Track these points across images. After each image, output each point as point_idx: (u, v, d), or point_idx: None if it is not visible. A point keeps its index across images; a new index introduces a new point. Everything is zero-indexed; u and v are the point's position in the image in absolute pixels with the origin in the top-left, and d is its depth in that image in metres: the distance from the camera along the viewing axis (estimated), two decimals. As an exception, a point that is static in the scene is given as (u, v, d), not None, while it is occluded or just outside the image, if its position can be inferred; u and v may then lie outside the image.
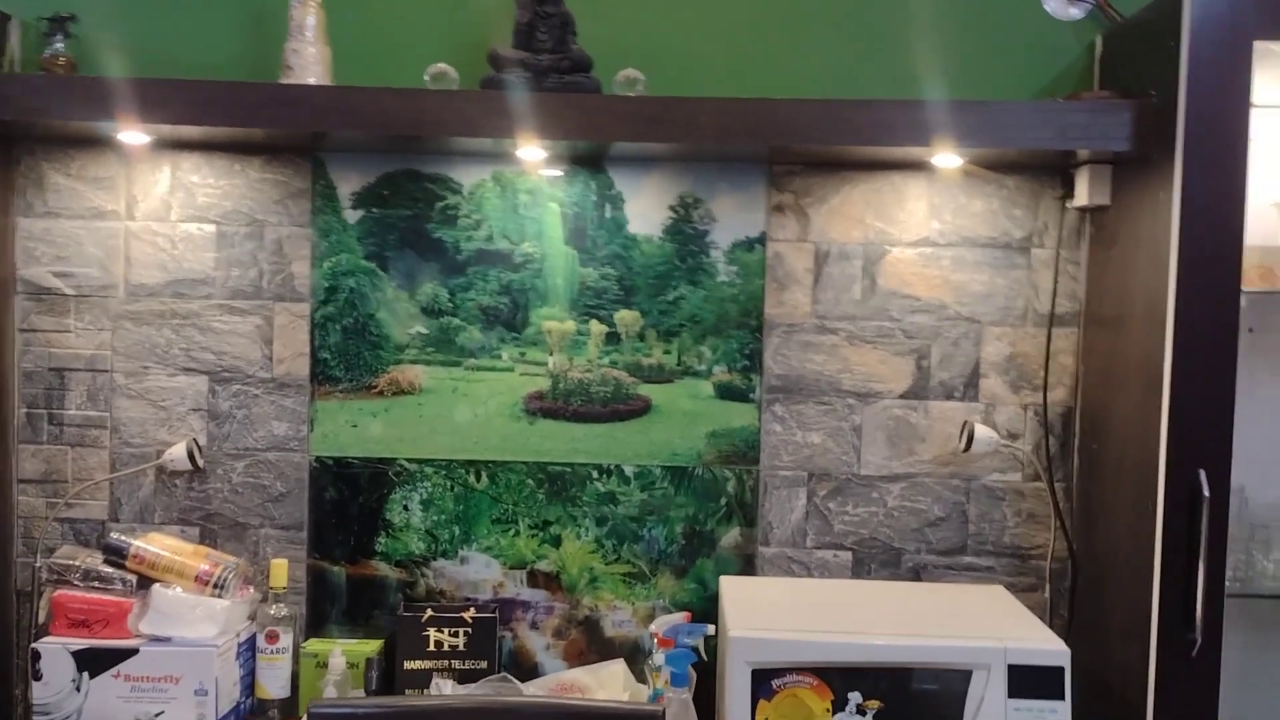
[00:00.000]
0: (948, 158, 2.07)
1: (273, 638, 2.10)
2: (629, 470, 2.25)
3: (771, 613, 1.91)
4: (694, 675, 1.95)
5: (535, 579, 2.26)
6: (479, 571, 2.26)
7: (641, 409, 2.25)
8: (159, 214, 2.23)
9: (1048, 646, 1.77)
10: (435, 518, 2.25)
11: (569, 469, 2.25)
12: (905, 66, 2.15)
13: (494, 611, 2.20)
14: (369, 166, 2.22)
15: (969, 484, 2.22)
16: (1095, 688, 2.05)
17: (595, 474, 2.25)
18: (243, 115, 1.97)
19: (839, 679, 1.77)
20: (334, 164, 2.22)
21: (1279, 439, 2.13)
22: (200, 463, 2.22)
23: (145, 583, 2.07)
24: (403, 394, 2.24)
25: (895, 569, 2.23)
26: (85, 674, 1.98)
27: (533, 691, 2.09)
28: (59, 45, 2.11)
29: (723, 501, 2.25)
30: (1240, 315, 2.05)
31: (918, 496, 2.22)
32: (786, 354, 2.23)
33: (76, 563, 2.07)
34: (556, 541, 2.25)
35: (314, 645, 2.18)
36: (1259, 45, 1.78)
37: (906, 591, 2.10)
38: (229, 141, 2.17)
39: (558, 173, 2.22)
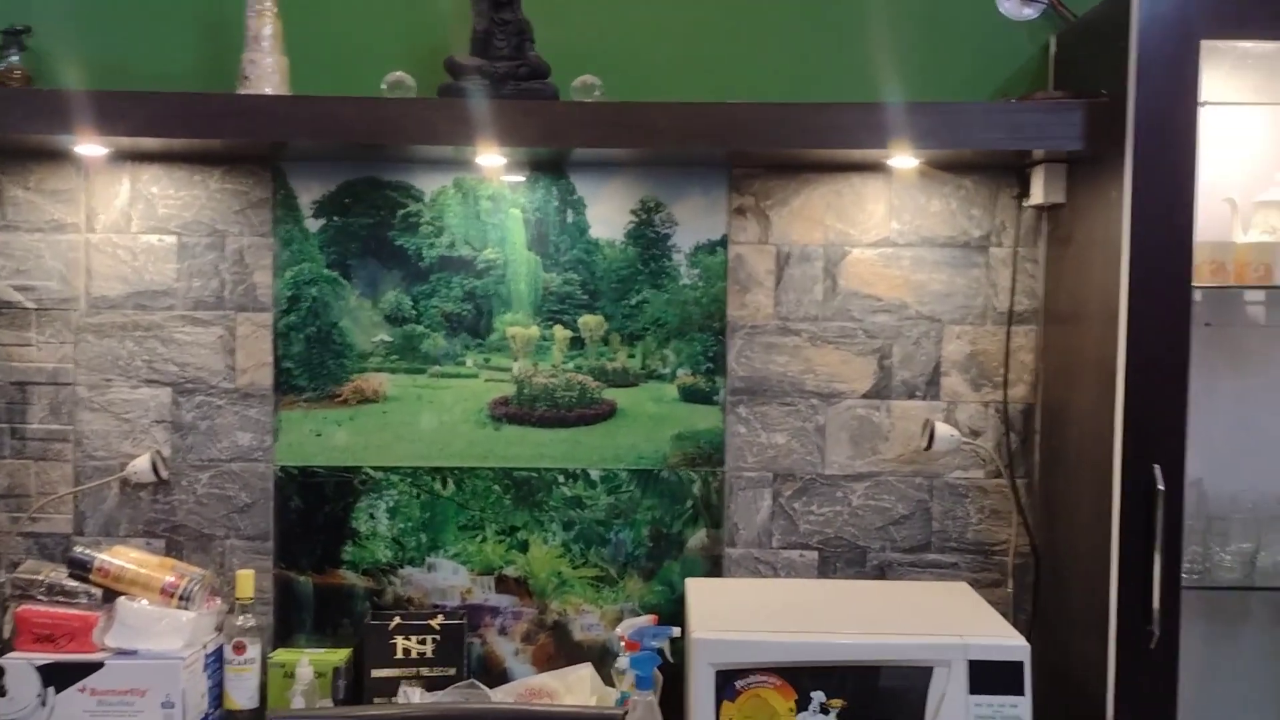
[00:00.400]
0: (905, 159, 2.09)
1: (240, 649, 2.10)
2: (595, 474, 2.25)
3: (735, 614, 1.92)
4: (659, 678, 1.96)
5: (503, 585, 2.26)
6: (447, 578, 2.26)
7: (606, 413, 2.26)
8: (119, 226, 2.22)
9: (1007, 642, 1.79)
10: (402, 525, 2.26)
11: (535, 474, 2.25)
12: (863, 69, 2.17)
13: (462, 618, 2.20)
14: (330, 175, 2.22)
15: (932, 482, 2.24)
16: (1058, 681, 2.07)
17: (561, 478, 2.25)
18: (200, 126, 1.97)
19: (802, 678, 1.78)
20: (294, 173, 2.22)
21: (1236, 432, 2.15)
22: (164, 474, 2.21)
23: (110, 596, 2.06)
24: (367, 402, 2.24)
25: (861, 568, 2.24)
26: (51, 689, 1.97)
27: (501, 697, 2.09)
28: (14, 58, 2.10)
29: (689, 504, 2.26)
30: (1196, 310, 2.09)
31: (882, 495, 2.24)
32: (750, 356, 2.24)
33: (41, 577, 2.06)
34: (524, 547, 2.26)
35: (281, 655, 2.17)
36: (1206, 44, 1.80)
37: (870, 590, 2.11)
38: (188, 152, 2.17)
39: (519, 179, 2.23)
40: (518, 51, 2.01)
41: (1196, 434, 2.09)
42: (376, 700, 2.11)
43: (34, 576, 2.06)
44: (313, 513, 2.25)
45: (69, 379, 2.23)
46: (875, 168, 2.19)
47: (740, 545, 2.25)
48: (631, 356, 2.25)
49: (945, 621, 1.87)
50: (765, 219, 2.23)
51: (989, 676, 1.76)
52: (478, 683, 2.12)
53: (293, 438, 2.24)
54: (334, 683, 2.11)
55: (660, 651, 1.95)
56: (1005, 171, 2.20)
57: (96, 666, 1.98)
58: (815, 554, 2.25)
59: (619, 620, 2.20)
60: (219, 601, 2.16)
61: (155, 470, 2.20)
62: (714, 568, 2.25)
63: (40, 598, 2.04)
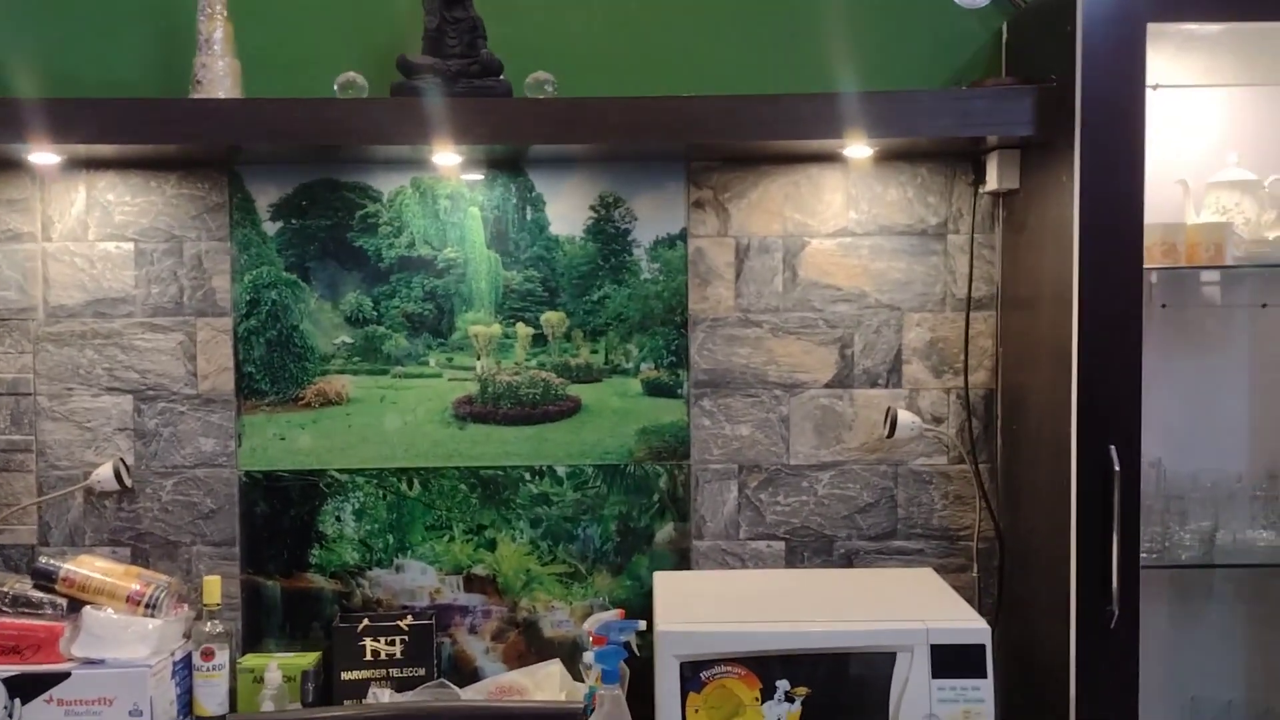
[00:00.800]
0: (860, 148, 2.09)
1: (208, 655, 2.09)
2: (561, 471, 2.26)
3: (700, 606, 1.93)
4: (626, 671, 1.95)
5: (472, 583, 2.26)
6: (415, 579, 2.26)
7: (571, 409, 2.26)
8: (76, 234, 2.21)
9: (969, 625, 1.80)
10: (368, 527, 2.25)
11: (501, 472, 2.25)
12: (820, 60, 2.17)
13: (431, 618, 2.20)
14: (286, 178, 2.21)
15: (896, 469, 2.25)
16: (1023, 663, 2.09)
17: (528, 476, 2.26)
18: (153, 132, 1.96)
19: (766, 668, 1.79)
20: (251, 177, 2.21)
21: (1195, 413, 2.18)
22: (128, 482, 2.20)
23: (76, 606, 2.05)
24: (330, 405, 2.24)
25: (828, 556, 2.25)
26: (17, 700, 1.96)
27: (471, 696, 2.09)
28: (-36, 67, 2.09)
29: (655, 498, 2.26)
30: (1152, 292, 2.11)
31: (847, 484, 2.25)
32: (712, 348, 2.24)
33: (5, 588, 2.05)
34: (491, 545, 2.26)
35: (250, 660, 2.17)
36: (1153, 27, 1.82)
37: (836, 578, 2.12)
38: (143, 158, 2.16)
39: (477, 177, 2.23)
40: (470, 49, 2.01)
41: (1155, 415, 2.11)
42: (347, 702, 2.11)
43: (-2, 588, 2.05)
44: (279, 517, 2.25)
45: (29, 389, 2.21)
46: (832, 158, 2.20)
47: (708, 538, 2.26)
48: (594, 352, 2.25)
49: (908, 607, 1.88)
50: (724, 211, 2.24)
51: (951, 660, 1.77)
52: (447, 682, 2.12)
53: (256, 442, 2.24)
54: (303, 686, 2.11)
55: (627, 645, 1.95)
56: (960, 159, 2.21)
57: (63, 677, 1.97)
58: (782, 544, 2.26)
59: (589, 616, 2.20)
60: (186, 608, 2.15)
61: (119, 478, 2.19)
62: (682, 561, 2.26)
63: (5, 609, 2.03)
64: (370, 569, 2.26)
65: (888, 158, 2.20)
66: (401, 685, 2.14)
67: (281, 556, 2.25)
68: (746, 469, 2.25)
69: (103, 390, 2.22)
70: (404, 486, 2.25)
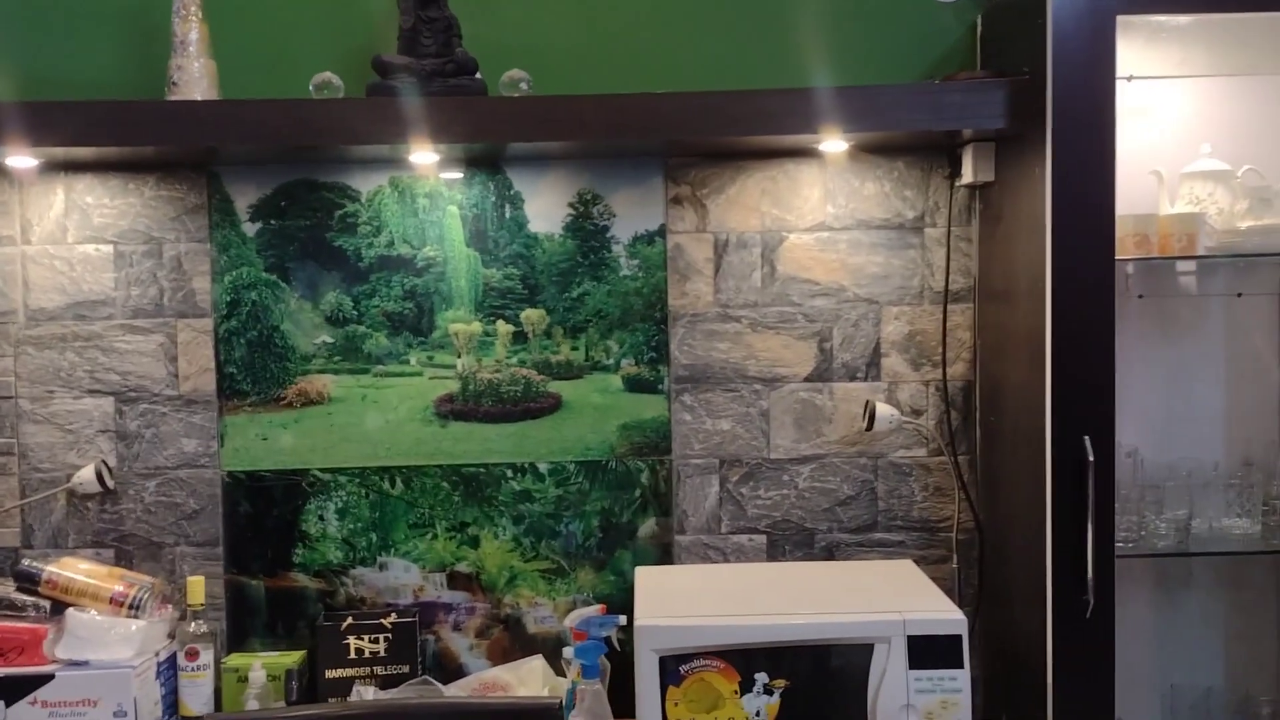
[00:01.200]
0: (836, 143, 2.10)
1: (192, 655, 2.10)
2: (543, 467, 2.27)
3: (680, 600, 1.94)
4: (607, 666, 1.98)
5: (455, 581, 2.27)
6: (398, 577, 2.27)
7: (552, 406, 2.27)
8: (55, 237, 2.21)
9: (945, 616, 1.81)
10: (351, 526, 2.26)
11: (483, 469, 2.26)
12: (794, 56, 2.18)
13: (414, 616, 2.21)
14: (265, 178, 2.21)
15: (876, 462, 2.26)
16: (1002, 653, 2.10)
17: (510, 473, 2.26)
18: (129, 134, 1.97)
19: (745, 661, 1.80)
20: (229, 177, 2.22)
21: (1172, 403, 2.19)
22: (110, 484, 2.21)
23: (60, 608, 2.06)
24: (312, 404, 2.25)
25: (809, 549, 2.26)
26: (1, 703, 1.97)
27: (454, 693, 2.10)
28: (-60, 72, 2.09)
29: (637, 493, 2.27)
30: (1129, 283, 2.12)
31: (827, 477, 2.26)
32: (692, 344, 2.25)
33: (-12, 592, 2.06)
34: (474, 542, 2.27)
35: (235, 660, 2.18)
36: (1123, 19, 1.83)
37: (816, 571, 2.13)
38: (121, 161, 2.16)
39: (456, 175, 2.23)
40: (445, 48, 2.01)
41: (1133, 405, 2.14)
42: (331, 700, 2.12)
43: (-19, 591, 2.06)
44: (262, 517, 2.26)
45: (10, 392, 2.22)
46: (809, 153, 2.21)
47: (690, 532, 2.27)
48: (575, 349, 2.26)
49: (886, 599, 1.89)
50: (702, 208, 2.24)
51: (928, 650, 1.78)
52: (430, 679, 2.13)
53: (238, 443, 2.24)
54: (287, 685, 2.12)
55: (608, 640, 1.97)
56: (936, 152, 2.22)
57: (47, 679, 1.98)
58: (764, 538, 2.27)
59: (572, 612, 2.21)
60: (170, 609, 2.16)
61: (101, 480, 2.20)
62: (665, 555, 2.27)
63: (-12, 612, 2.04)
64: (354, 567, 2.26)
65: (864, 152, 2.21)
66: (386, 683, 2.15)
67: (265, 556, 2.26)
68: (727, 463, 2.26)
69: (84, 392, 2.23)
70: (386, 485, 2.26)
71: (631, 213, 2.24)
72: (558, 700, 1.52)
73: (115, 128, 1.95)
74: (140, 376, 2.23)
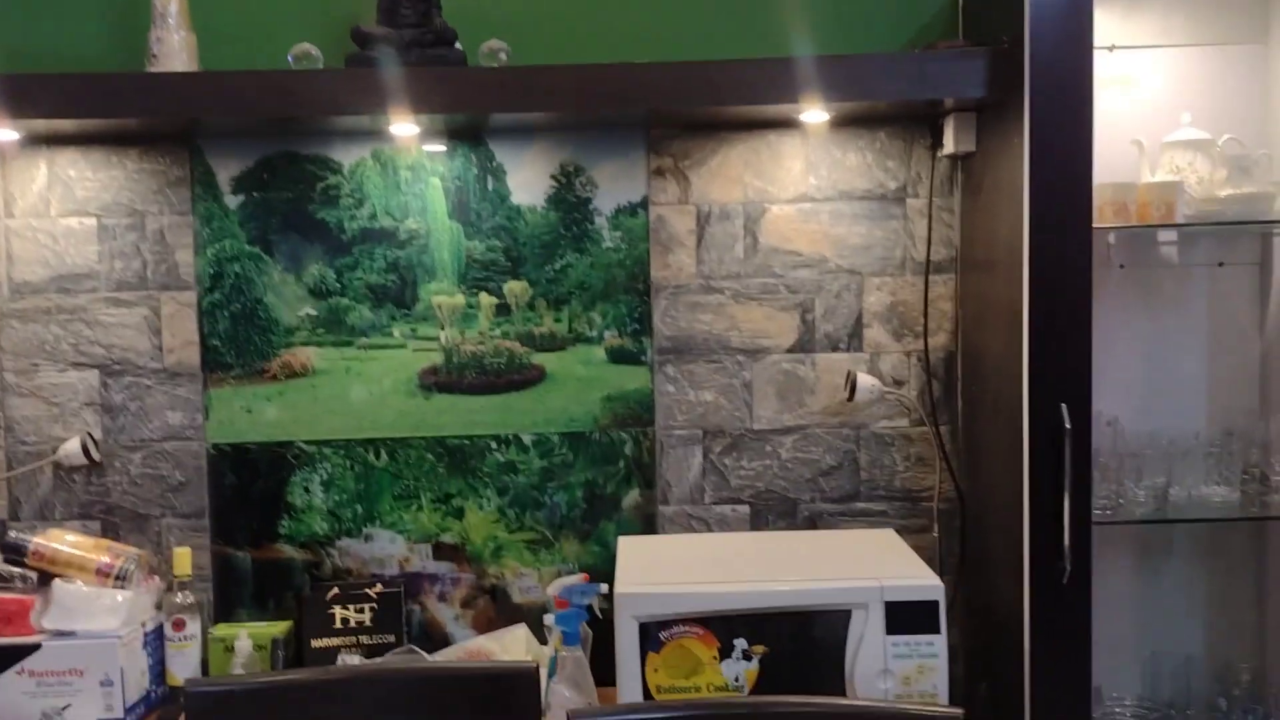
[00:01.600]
0: (817, 113, 2.10)
1: (179, 625, 2.12)
2: (527, 439, 2.28)
3: (660, 568, 1.95)
4: (589, 633, 1.99)
5: (441, 551, 2.29)
6: (384, 548, 2.28)
7: (536, 378, 2.28)
8: (38, 210, 2.22)
9: (923, 582, 1.82)
10: (337, 498, 2.27)
11: (467, 441, 2.27)
12: (776, 25, 2.17)
13: (400, 586, 2.23)
14: (246, 151, 2.22)
15: (859, 432, 2.27)
16: (982, 621, 2.12)
17: (494, 445, 2.27)
18: (110, 106, 1.96)
19: (724, 627, 1.81)
20: (211, 150, 2.22)
21: (1152, 372, 2.20)
22: (96, 456, 2.22)
23: (47, 579, 2.07)
24: (296, 377, 2.25)
25: (792, 519, 2.28)
26: (-11, 672, 1.99)
27: (439, 661, 2.12)
28: (-81, 44, 2.09)
29: (621, 464, 2.28)
30: (1110, 253, 2.13)
31: (810, 447, 2.27)
32: (675, 315, 2.26)
33: (-25, 563, 2.08)
34: (459, 513, 2.28)
35: (222, 630, 2.19)
36: (1102, -13, 1.82)
37: (797, 540, 2.14)
38: (103, 133, 2.16)
39: (438, 148, 2.23)
40: (424, 18, 2.01)
41: (1114, 375, 2.14)
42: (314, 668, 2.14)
43: (-32, 563, 2.07)
44: (247, 489, 2.27)
45: (-5, 365, 2.23)
46: (791, 124, 2.20)
47: (673, 503, 2.28)
48: (558, 321, 2.27)
49: (865, 566, 1.91)
50: (684, 179, 2.24)
51: (905, 617, 1.79)
52: (416, 648, 2.14)
53: (223, 415, 2.25)
54: (273, 654, 2.14)
55: (590, 608, 1.98)
56: (918, 122, 2.22)
57: (34, 649, 1.99)
58: (747, 508, 2.28)
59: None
60: (157, 580, 2.17)
61: (87, 452, 2.21)
62: (649, 526, 2.28)
63: (-25, 583, 2.05)
64: (339, 539, 2.28)
65: (846, 123, 2.21)
66: (371, 652, 2.16)
67: (251, 527, 2.27)
68: (710, 434, 2.27)
69: (69, 365, 2.24)
70: (371, 457, 2.27)
71: (614, 185, 2.24)
72: (534, 664, 1.54)
73: (95, 100, 1.95)
74: (124, 349, 2.24)
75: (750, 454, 2.27)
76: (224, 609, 2.27)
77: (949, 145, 2.14)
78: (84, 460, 2.21)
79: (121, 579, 2.08)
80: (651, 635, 1.82)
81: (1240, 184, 1.99)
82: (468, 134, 2.22)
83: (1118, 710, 2.12)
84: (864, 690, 1.79)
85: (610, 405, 2.27)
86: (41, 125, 2.06)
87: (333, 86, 1.94)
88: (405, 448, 2.27)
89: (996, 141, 1.99)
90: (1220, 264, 2.19)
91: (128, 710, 2.01)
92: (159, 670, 2.13)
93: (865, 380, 2.19)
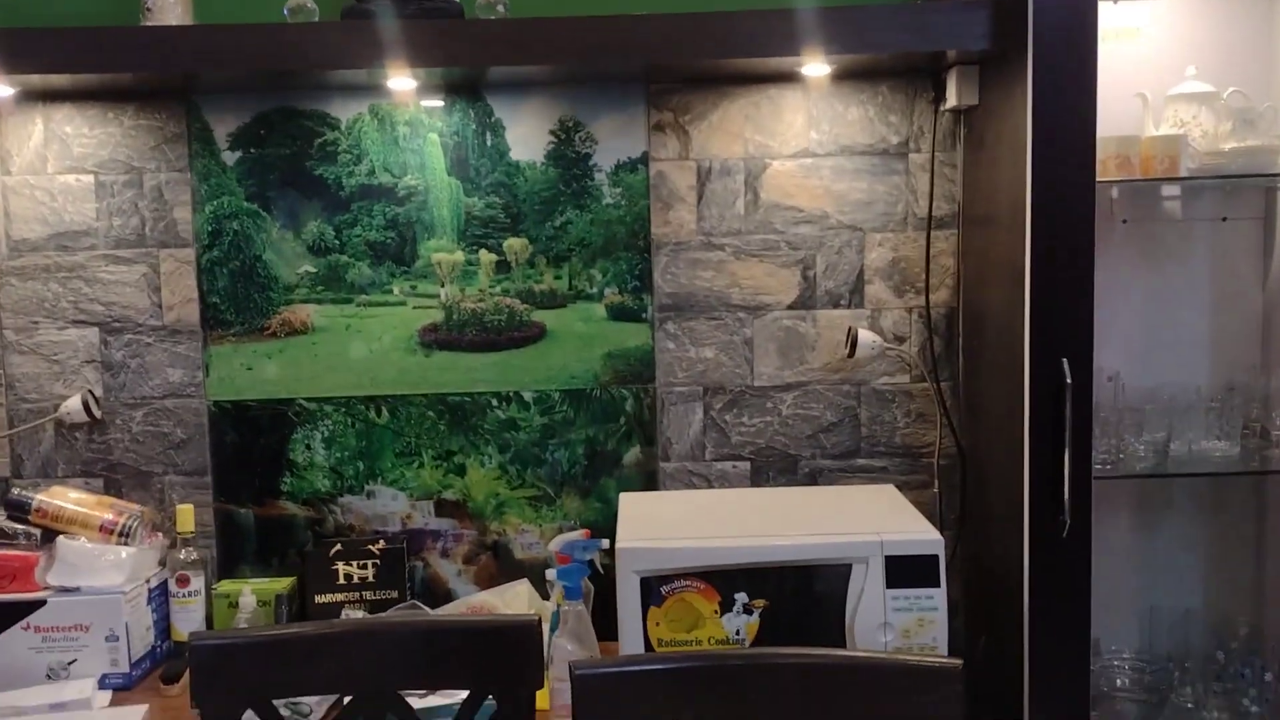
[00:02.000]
0: (818, 66, 2.08)
1: (183, 581, 2.13)
2: (528, 396, 2.28)
3: (661, 524, 1.96)
4: (590, 588, 2.00)
5: (443, 508, 2.30)
6: (386, 505, 2.29)
7: (536, 335, 2.27)
8: (35, 167, 2.20)
9: (922, 536, 1.82)
10: (338, 455, 2.28)
11: (468, 398, 2.27)
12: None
13: (403, 543, 2.24)
14: (243, 106, 2.20)
15: (860, 389, 2.27)
16: (982, 576, 2.13)
17: (495, 402, 2.28)
18: (105, 61, 1.94)
19: (725, 582, 1.82)
20: (208, 106, 2.20)
21: (1155, 327, 2.19)
22: (98, 414, 2.22)
23: (50, 536, 2.08)
24: (296, 334, 2.25)
25: (792, 475, 2.28)
26: (-7, 627, 2.01)
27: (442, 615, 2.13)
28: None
29: (622, 421, 2.28)
30: (1113, 207, 2.12)
31: (810, 404, 2.27)
32: (675, 272, 2.25)
33: (-21, 520, 2.09)
34: (461, 470, 2.29)
35: (226, 586, 2.21)
36: (1108, -64, 1.80)
37: (797, 496, 2.15)
38: (99, 89, 2.15)
39: (436, 103, 2.22)
40: (421, -29, 1.98)
41: (1116, 330, 2.14)
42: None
43: (-29, 520, 2.08)
44: (249, 446, 2.27)
45: (-5, 323, 2.23)
46: (793, 78, 2.18)
47: (674, 459, 2.28)
48: (558, 278, 2.26)
49: (865, 521, 1.91)
50: (685, 134, 2.23)
51: (905, 570, 1.80)
52: (419, 603, 2.16)
53: (223, 372, 2.25)
54: (277, 610, 2.15)
55: (591, 563, 1.99)
56: (921, 76, 2.20)
57: (38, 604, 2.00)
58: (748, 464, 2.28)
59: (557, 537, 2.24)
60: (160, 537, 2.18)
61: (88, 410, 2.21)
62: (649, 482, 2.29)
63: (-21, 540, 2.06)
64: (341, 496, 2.29)
65: (848, 76, 2.19)
66: (374, 607, 2.18)
67: (253, 485, 2.28)
68: (711, 391, 2.27)
69: (68, 323, 2.23)
70: (372, 414, 2.27)
71: (614, 140, 2.23)
72: (537, 617, 1.54)
73: (90, 54, 1.93)
74: (124, 307, 2.23)
75: (751, 410, 2.27)
76: (227, 566, 2.28)
77: (951, 99, 2.12)
78: (85, 418, 2.21)
79: (125, 536, 2.09)
80: (653, 590, 1.83)
81: (1245, 137, 1.97)
82: (466, 89, 2.20)
83: (1115, 664, 2.14)
84: (864, 643, 1.81)
85: (611, 362, 2.27)
86: (37, 80, 2.04)
87: (329, 39, 1.92)
88: (406, 405, 2.27)
89: (1000, 94, 1.97)
90: (1224, 219, 2.17)
91: (134, 665, 2.02)
92: (164, 626, 2.15)
93: (866, 336, 2.19)
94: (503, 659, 1.54)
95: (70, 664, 2.01)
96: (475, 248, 2.25)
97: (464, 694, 1.57)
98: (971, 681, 1.40)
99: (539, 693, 1.57)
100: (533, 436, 2.28)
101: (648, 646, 1.82)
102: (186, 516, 2.14)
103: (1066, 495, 1.81)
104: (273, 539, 2.29)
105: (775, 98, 2.21)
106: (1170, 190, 2.16)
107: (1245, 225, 2.18)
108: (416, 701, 1.65)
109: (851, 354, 2.19)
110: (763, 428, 2.28)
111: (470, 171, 2.23)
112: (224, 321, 2.24)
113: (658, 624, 1.83)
